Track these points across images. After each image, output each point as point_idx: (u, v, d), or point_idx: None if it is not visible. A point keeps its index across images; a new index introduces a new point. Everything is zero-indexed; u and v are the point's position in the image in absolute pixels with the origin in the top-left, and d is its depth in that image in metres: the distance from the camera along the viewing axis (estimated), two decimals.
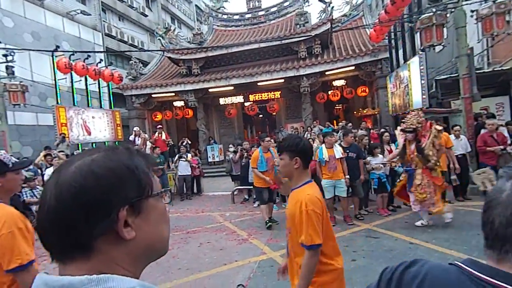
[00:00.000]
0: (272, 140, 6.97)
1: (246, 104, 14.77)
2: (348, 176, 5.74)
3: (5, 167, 1.91)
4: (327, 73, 13.11)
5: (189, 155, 9.82)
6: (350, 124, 11.18)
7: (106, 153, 0.57)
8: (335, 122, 14.90)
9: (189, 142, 13.80)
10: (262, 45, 13.56)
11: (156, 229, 0.59)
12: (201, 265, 4.41)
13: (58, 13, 14.37)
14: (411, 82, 9.04)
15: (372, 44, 12.53)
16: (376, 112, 13.32)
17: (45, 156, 9.20)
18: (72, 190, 0.52)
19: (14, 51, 10.01)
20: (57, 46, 11.89)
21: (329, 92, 14.06)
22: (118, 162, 0.56)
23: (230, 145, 9.99)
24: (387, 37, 11.55)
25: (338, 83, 13.93)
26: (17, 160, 1.92)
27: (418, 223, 5.17)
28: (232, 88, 13.89)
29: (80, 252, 0.53)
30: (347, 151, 5.95)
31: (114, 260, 0.55)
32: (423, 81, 8.42)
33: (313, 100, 14.01)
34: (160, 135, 11.63)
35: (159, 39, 14.66)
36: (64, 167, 0.55)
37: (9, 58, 9.93)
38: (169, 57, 15.20)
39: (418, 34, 7.80)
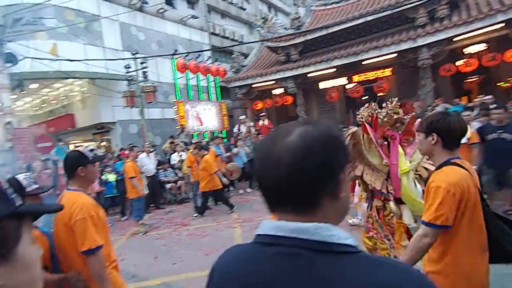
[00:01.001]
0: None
1: (349, 86, 14.19)
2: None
3: (86, 159, 2.14)
4: (456, 39, 10.83)
5: None
6: (490, 99, 8.27)
7: (316, 125, 0.69)
8: (466, 98, 12.21)
9: None
10: (369, 18, 12.38)
11: (349, 192, 0.70)
12: None
13: (174, 21, 16.61)
14: None
15: None
16: None
17: (170, 143, 11.01)
18: (308, 154, 0.63)
19: (147, 59, 12.17)
20: (175, 50, 13.84)
21: (459, 62, 11.27)
22: (330, 133, 0.67)
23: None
24: None
25: (474, 48, 11.07)
26: (96, 154, 2.16)
27: None
28: (333, 70, 13.54)
29: (312, 207, 0.65)
30: (499, 131, 4.99)
31: (330, 215, 0.66)
32: None
33: (435, 74, 11.92)
34: (263, 122, 12.36)
35: (257, 30, 15.35)
36: (280, 139, 0.67)
37: (144, 65, 12.14)
38: (267, 46, 15.79)
39: None
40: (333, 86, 14.54)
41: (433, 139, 1.73)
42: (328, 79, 14.50)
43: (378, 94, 14.48)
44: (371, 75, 13.76)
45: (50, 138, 12.25)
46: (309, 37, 14.03)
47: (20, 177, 1.84)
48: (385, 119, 2.59)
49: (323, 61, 13.38)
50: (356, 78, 14.06)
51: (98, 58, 12.58)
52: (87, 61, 12.15)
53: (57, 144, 11.60)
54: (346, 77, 14.17)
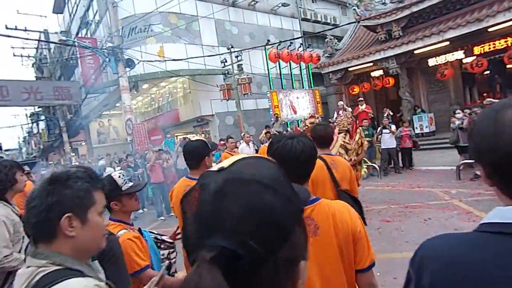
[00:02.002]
0: None
1: (467, 60, 11.92)
2: None
3: (209, 149, 2.11)
4: None
5: (393, 126, 9.07)
6: None
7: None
8: None
9: (391, 113, 12.79)
10: None
11: None
12: None
13: (265, 12, 16.65)
14: None
15: None
16: None
17: (266, 133, 11.00)
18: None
19: (241, 52, 12.44)
20: (268, 41, 13.80)
21: None
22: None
23: (457, 111, 8.36)
24: None
25: None
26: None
27: None
28: (447, 43, 11.54)
29: None
30: None
31: None
32: None
33: None
34: (361, 107, 11.36)
35: (353, 9, 14.16)
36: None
37: (239, 58, 12.45)
38: (364, 26, 14.44)
39: None
40: (447, 62, 12.43)
41: None
42: (439, 55, 12.46)
43: (509, 66, 11.80)
44: (499, 44, 11.23)
45: (160, 132, 13.71)
46: (415, 9, 12.25)
47: (116, 175, 1.77)
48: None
49: (434, 34, 11.51)
50: (477, 49, 11.73)
51: (198, 55, 13.42)
52: (188, 59, 13.10)
53: (165, 137, 12.89)
54: (463, 50, 11.95)
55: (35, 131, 33.79)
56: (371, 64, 13.66)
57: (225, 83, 13.17)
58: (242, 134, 9.82)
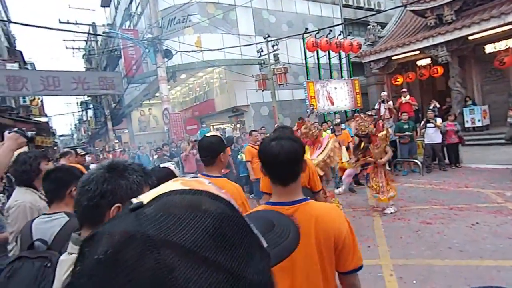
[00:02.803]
0: None
1: None
2: None
3: (225, 144, 2.07)
4: None
5: (438, 120, 8.31)
6: None
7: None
8: None
9: (437, 105, 11.82)
10: None
11: None
12: (481, 251, 3.54)
13: None
14: None
15: None
16: None
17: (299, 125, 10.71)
18: None
19: (278, 41, 12.15)
20: (306, 29, 13.33)
21: None
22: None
23: None
24: None
25: None
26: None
27: None
28: (509, 27, 10.33)
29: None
30: None
31: None
32: None
33: None
34: (405, 99, 10.61)
35: None
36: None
37: (275, 47, 12.18)
38: (411, 11, 13.39)
39: None
40: (508, 48, 11.16)
41: None
42: (499, 40, 11.21)
43: None
44: None
45: (196, 121, 13.95)
46: None
47: (172, 167, 1.78)
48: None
49: (493, 17, 10.35)
50: None
51: (234, 45, 13.35)
52: (225, 49, 13.07)
53: (201, 127, 13.10)
54: None
55: (84, 118, 36.29)
56: (418, 52, 12.67)
57: (261, 73, 13.00)
58: (276, 125, 9.65)
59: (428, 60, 13.09)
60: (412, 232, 4.37)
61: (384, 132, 5.45)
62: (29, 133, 2.08)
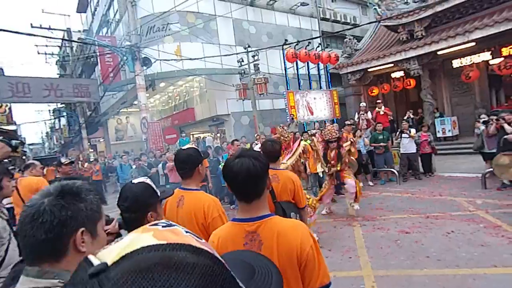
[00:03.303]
0: None
1: (494, 61, 11.36)
2: None
3: (201, 156, 2.03)
4: None
5: (413, 131, 8.67)
6: None
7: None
8: None
9: (412, 116, 12.38)
10: None
11: None
12: (457, 260, 3.69)
13: (283, 11, 16.44)
14: None
15: None
16: None
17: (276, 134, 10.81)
18: None
19: (258, 51, 12.30)
20: (285, 40, 13.59)
21: None
22: None
23: (482, 115, 7.94)
24: None
25: None
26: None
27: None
28: (472, 44, 11.02)
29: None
30: None
31: None
32: None
33: None
34: (380, 110, 11.01)
35: (374, 8, 13.75)
36: None
37: (256, 58, 12.31)
38: (385, 26, 13.99)
39: None
40: (472, 64, 11.88)
41: None
42: (464, 56, 11.93)
43: None
44: None
45: (175, 130, 13.75)
46: (439, 8, 11.75)
47: (148, 181, 1.64)
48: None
49: (459, 34, 11.00)
50: (505, 51, 11.13)
51: (215, 55, 13.37)
52: (205, 58, 13.06)
53: (180, 136, 12.92)
54: (490, 51, 11.39)
55: (57, 126, 34.85)
56: (392, 65, 13.23)
57: (241, 83, 13.07)
58: (256, 135, 9.70)
59: (402, 73, 13.67)
60: (392, 242, 4.48)
61: (348, 142, 5.99)
62: (14, 142, 2.02)
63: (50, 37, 16.50)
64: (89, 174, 11.53)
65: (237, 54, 13.12)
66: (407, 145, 8.47)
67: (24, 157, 21.85)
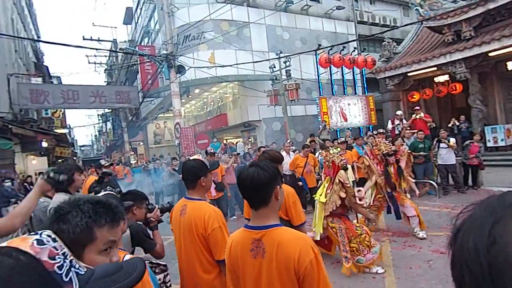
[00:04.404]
0: None
1: None
2: None
3: (207, 168, 2.16)
4: None
5: (452, 140, 7.86)
6: None
7: None
8: None
9: (457, 123, 11.36)
10: None
11: None
12: None
13: (318, 16, 16.15)
14: None
15: None
16: None
17: (310, 141, 10.48)
18: None
19: (290, 57, 12.16)
20: (319, 45, 13.30)
21: None
22: None
23: None
24: None
25: None
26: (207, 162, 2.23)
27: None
28: None
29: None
30: None
31: None
32: None
33: None
34: (417, 116, 10.20)
35: (416, 9, 12.96)
36: None
37: (288, 63, 12.18)
38: (428, 27, 13.13)
39: None
40: None
41: None
42: None
43: None
44: None
45: (207, 136, 13.97)
46: (492, 5, 10.75)
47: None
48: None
49: None
50: None
51: (247, 61, 13.43)
52: (238, 65, 13.16)
53: (212, 141, 13.09)
54: None
55: (103, 130, 37.34)
56: (435, 68, 12.33)
57: (273, 89, 12.97)
58: (287, 141, 9.50)
59: (446, 77, 12.70)
60: (423, 262, 4.04)
61: (406, 155, 5.31)
62: (61, 177, 2.11)
63: (98, 49, 17.71)
64: (121, 177, 12.14)
65: (269, 60, 13.06)
66: (445, 156, 7.70)
67: (75, 158, 23.55)
